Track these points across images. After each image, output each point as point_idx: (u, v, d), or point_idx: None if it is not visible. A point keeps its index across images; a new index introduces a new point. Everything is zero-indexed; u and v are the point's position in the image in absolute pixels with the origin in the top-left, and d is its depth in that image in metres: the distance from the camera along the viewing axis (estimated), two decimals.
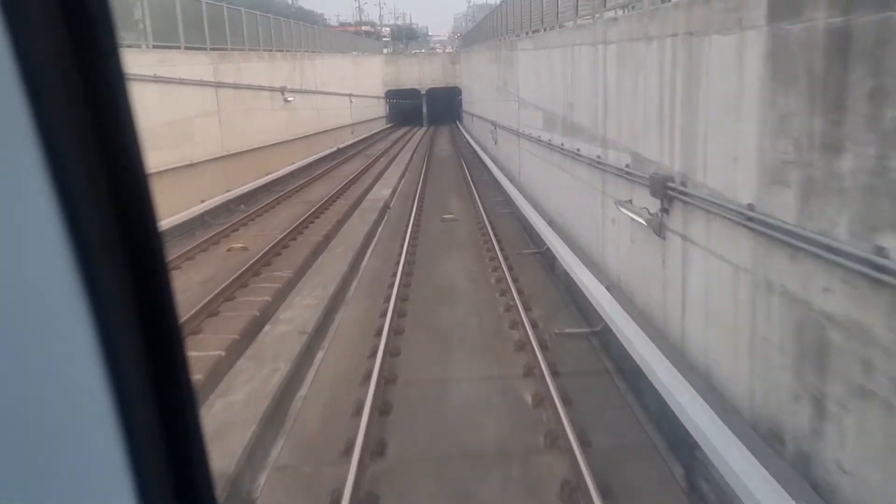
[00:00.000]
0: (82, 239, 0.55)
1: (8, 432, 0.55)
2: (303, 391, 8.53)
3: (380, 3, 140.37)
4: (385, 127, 65.40)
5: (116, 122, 0.59)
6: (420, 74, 70.83)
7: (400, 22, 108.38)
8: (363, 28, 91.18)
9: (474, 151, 36.15)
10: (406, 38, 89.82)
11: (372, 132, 53.32)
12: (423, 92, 70.76)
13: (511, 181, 21.01)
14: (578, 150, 11.88)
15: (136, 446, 0.60)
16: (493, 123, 27.48)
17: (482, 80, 35.76)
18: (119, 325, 0.59)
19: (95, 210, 0.57)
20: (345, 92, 44.33)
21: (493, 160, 26.86)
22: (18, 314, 0.54)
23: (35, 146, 0.53)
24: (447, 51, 70.38)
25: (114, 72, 0.59)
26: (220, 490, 5.52)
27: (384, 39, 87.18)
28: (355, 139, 45.46)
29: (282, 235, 15.21)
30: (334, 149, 36.41)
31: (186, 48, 18.92)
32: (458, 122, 72.92)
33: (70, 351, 0.56)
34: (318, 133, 34.36)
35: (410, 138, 51.73)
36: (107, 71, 0.58)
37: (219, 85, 20.60)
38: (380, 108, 65.62)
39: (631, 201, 8.62)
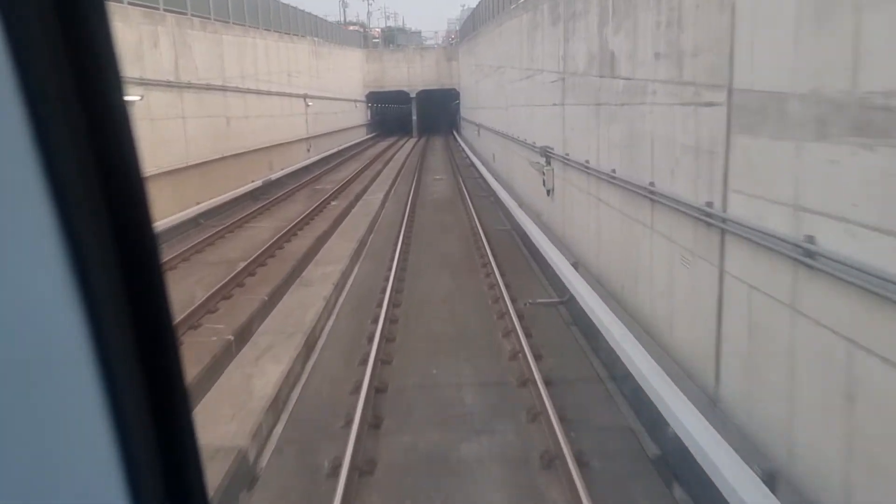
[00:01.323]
0: (77, 241, 0.54)
1: (0, 433, 0.54)
2: None
3: (368, 2, 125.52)
4: (364, 139, 50.52)
5: (112, 125, 0.58)
6: (409, 73, 56.09)
7: (391, 23, 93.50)
8: (350, 28, 76.29)
9: (490, 191, 21.41)
10: (398, 36, 74.93)
11: (341, 147, 38.45)
12: (412, 95, 56.05)
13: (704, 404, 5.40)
14: None
15: (129, 448, 0.58)
16: (547, 153, 12.79)
17: (506, 71, 21.19)
18: (113, 327, 0.57)
19: (90, 212, 0.56)
20: (296, 92, 29.72)
21: (551, 240, 12.15)
22: (12, 315, 0.53)
23: (30, 149, 0.52)
24: (443, 45, 55.64)
25: (110, 73, 0.57)
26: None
27: (374, 41, 72.53)
28: (310, 160, 30.58)
29: None
30: (257, 183, 21.48)
31: None
32: (455, 132, 57.92)
33: (64, 352, 0.55)
34: (226, 157, 19.61)
35: (393, 157, 36.72)
36: (102, 72, 0.57)
37: None
38: (358, 115, 50.85)
39: None
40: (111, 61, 0.57)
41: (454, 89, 54.32)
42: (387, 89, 54.12)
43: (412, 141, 49.55)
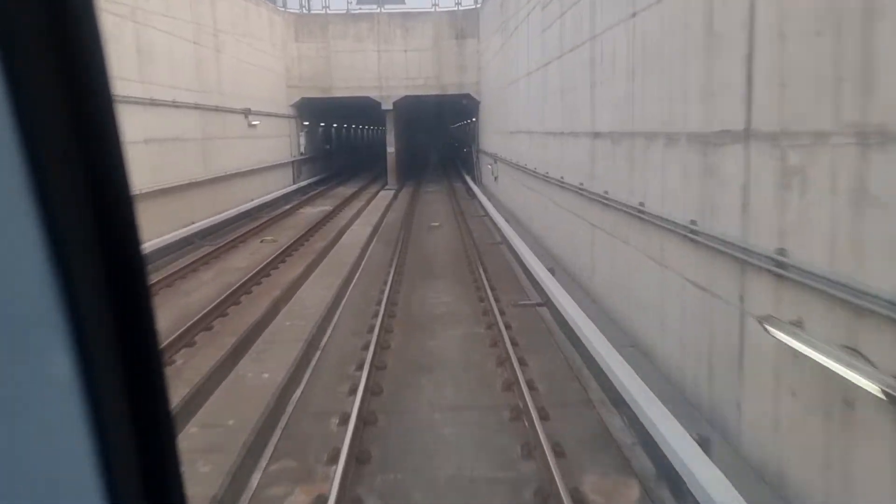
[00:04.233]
0: (64, 258, 0.53)
1: None
2: None
3: None
4: (280, 194, 21.35)
5: (101, 141, 0.56)
6: (382, 65, 28.98)
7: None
8: None
9: None
10: None
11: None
12: (386, 106, 29.13)
13: None
14: None
15: (111, 470, 0.57)
16: None
17: None
18: (98, 345, 0.56)
19: (77, 229, 0.55)
20: None
21: None
22: None
23: (18, 164, 0.50)
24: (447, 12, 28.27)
25: (100, 87, 0.56)
26: None
27: None
28: None
29: None
30: None
31: None
32: (468, 179, 26.44)
33: (47, 368, 0.54)
34: None
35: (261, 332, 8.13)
36: (93, 86, 0.55)
37: None
38: (271, 145, 23.77)
39: None
40: (102, 72, 0.55)
41: (467, 95, 27.41)
42: (338, 95, 26.99)
43: (381, 202, 22.00)
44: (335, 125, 36.54)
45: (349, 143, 41.54)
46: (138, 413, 0.60)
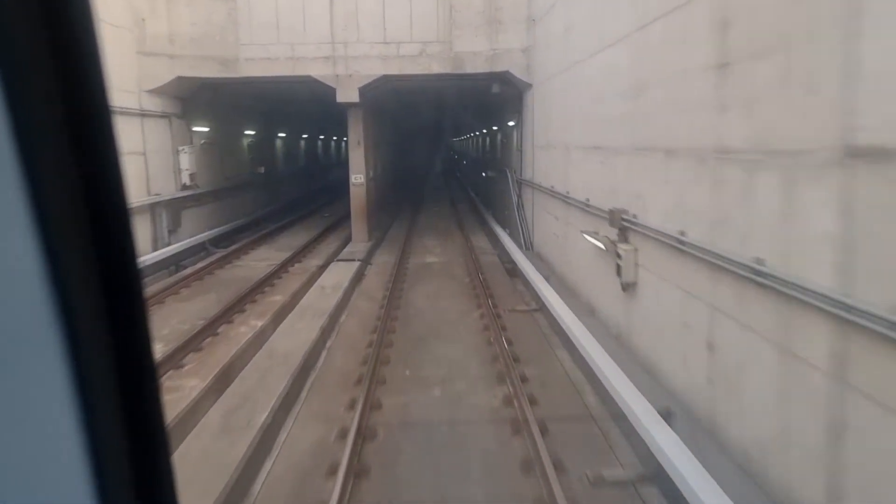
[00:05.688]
0: (60, 272, 0.53)
1: None
2: None
3: None
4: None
5: (99, 157, 0.56)
6: (336, 15, 15.28)
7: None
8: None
9: None
10: None
11: None
12: (346, 97, 15.85)
13: None
14: None
15: (104, 473, 0.57)
16: None
17: None
18: (93, 351, 0.56)
19: (74, 238, 0.55)
20: None
21: None
22: None
23: (16, 178, 0.50)
24: None
25: (97, 97, 0.56)
26: None
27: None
28: None
29: None
30: None
31: None
32: (502, 237, 10.91)
33: (43, 374, 0.54)
34: None
35: None
36: (90, 97, 0.55)
37: None
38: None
39: None
40: (99, 82, 0.55)
41: (504, 75, 14.02)
42: (253, 73, 13.62)
43: (312, 319, 8.21)
44: (281, 135, 23.09)
45: (309, 164, 28.08)
46: (132, 418, 0.58)
